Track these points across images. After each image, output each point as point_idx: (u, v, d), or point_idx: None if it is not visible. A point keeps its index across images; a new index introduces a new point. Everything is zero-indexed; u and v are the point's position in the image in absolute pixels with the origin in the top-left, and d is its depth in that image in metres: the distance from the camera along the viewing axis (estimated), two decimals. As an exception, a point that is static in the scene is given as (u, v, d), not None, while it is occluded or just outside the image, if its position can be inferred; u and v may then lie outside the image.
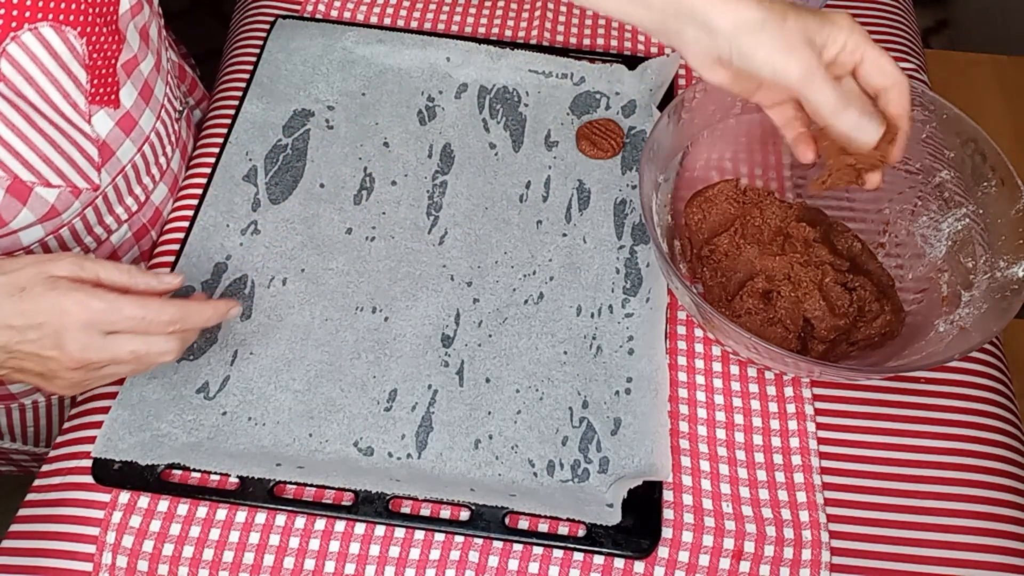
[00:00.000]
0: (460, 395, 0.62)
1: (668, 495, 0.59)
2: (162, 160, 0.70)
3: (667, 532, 0.57)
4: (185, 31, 0.91)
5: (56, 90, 0.56)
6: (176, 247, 0.68)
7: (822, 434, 0.62)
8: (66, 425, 0.63)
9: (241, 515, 0.57)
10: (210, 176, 0.71)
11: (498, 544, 0.57)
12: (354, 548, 0.56)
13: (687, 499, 0.58)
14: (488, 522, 0.56)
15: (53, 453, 0.61)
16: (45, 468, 0.61)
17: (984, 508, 0.59)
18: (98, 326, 0.51)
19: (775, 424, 0.62)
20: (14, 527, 0.58)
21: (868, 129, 0.51)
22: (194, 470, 0.57)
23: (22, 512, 0.59)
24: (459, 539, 0.57)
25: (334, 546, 0.56)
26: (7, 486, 0.92)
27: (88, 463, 0.58)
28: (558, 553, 0.56)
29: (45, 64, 0.55)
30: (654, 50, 0.82)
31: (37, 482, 0.60)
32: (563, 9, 0.84)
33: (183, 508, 0.57)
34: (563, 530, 0.57)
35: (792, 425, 0.62)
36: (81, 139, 0.59)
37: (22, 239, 0.60)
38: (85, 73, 0.57)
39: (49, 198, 0.59)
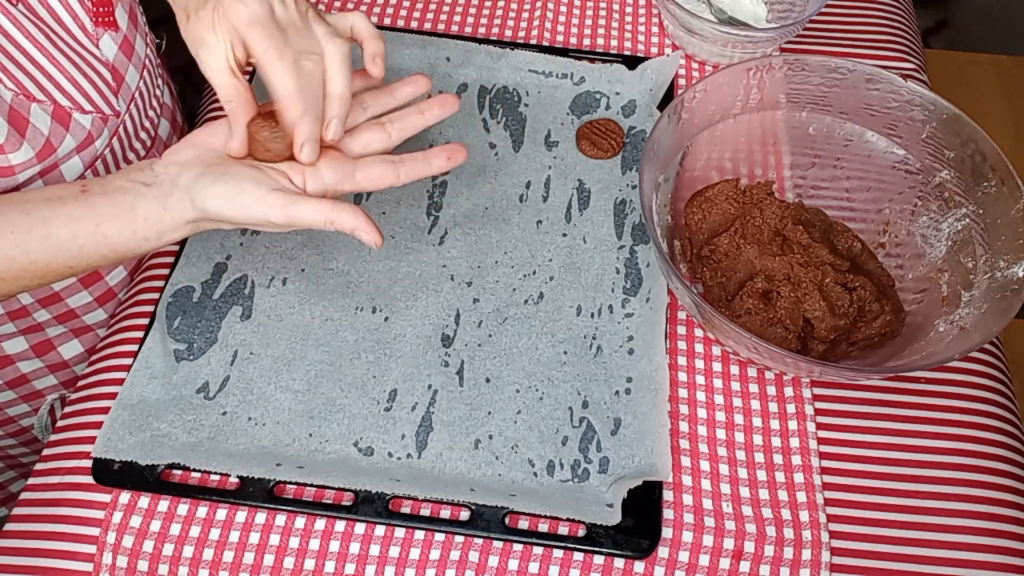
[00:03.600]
0: (460, 395, 0.62)
1: (668, 495, 0.59)
2: (157, 91, 0.72)
3: (667, 532, 0.57)
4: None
5: (65, 10, 0.59)
6: (176, 247, 0.68)
7: (822, 434, 0.62)
8: (61, 423, 0.63)
9: (241, 515, 0.57)
10: (210, 176, 0.71)
11: (498, 544, 0.57)
12: (354, 548, 0.56)
13: (687, 499, 0.58)
14: (488, 522, 0.56)
15: (48, 451, 0.61)
16: (40, 467, 0.61)
17: (984, 508, 0.59)
18: None
19: (775, 424, 0.62)
20: (11, 526, 0.58)
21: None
22: (194, 470, 0.57)
23: (19, 511, 0.59)
24: (459, 539, 0.57)
25: (334, 546, 0.56)
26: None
27: (88, 463, 0.58)
28: (558, 553, 0.56)
29: None
30: (654, 50, 0.82)
31: (33, 480, 0.60)
32: (563, 9, 0.84)
33: (183, 508, 0.57)
34: (563, 530, 0.57)
35: (792, 425, 0.62)
36: (96, 63, 0.62)
37: (64, 173, 0.62)
38: None
39: (86, 124, 0.61)
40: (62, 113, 0.59)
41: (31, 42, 0.56)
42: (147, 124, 0.70)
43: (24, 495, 0.60)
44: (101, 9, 0.62)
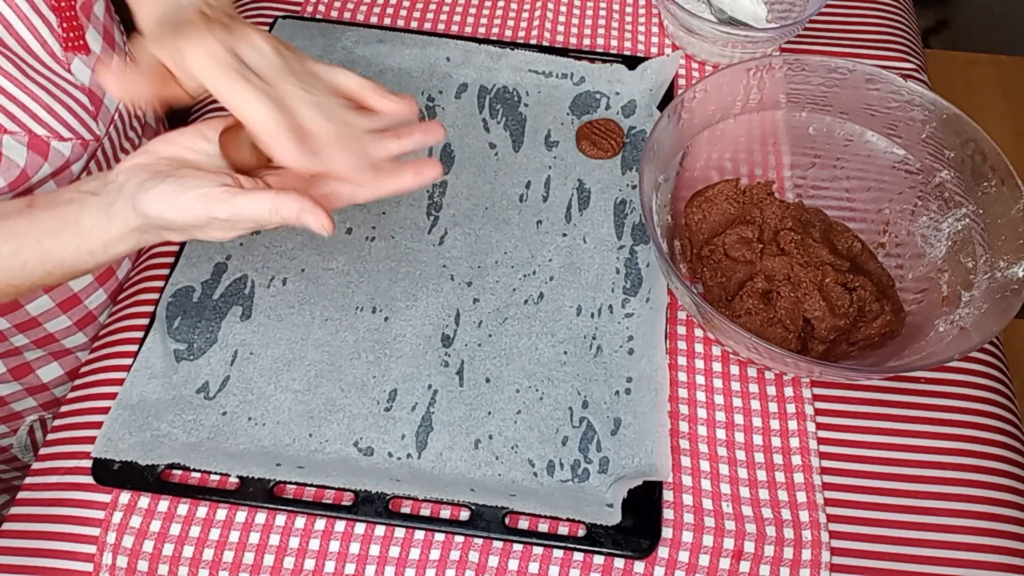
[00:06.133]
0: (460, 395, 0.62)
1: (668, 495, 0.59)
2: (139, 112, 0.72)
3: (667, 532, 0.57)
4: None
5: (34, 38, 0.58)
6: (176, 247, 0.68)
7: (822, 434, 0.62)
8: (57, 423, 0.62)
9: (241, 515, 0.57)
10: (210, 176, 0.71)
11: (498, 544, 0.57)
12: (354, 548, 0.56)
13: (687, 499, 0.58)
14: (488, 522, 0.56)
15: (45, 451, 0.61)
16: (38, 466, 0.61)
17: (984, 508, 0.59)
18: None
19: (775, 424, 0.62)
20: (10, 526, 0.58)
21: None
22: (194, 470, 0.57)
23: (16, 511, 0.59)
24: (459, 539, 0.57)
25: (334, 546, 0.56)
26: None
27: (88, 463, 0.58)
28: (558, 553, 0.56)
29: (20, 7, 0.56)
30: (654, 50, 0.82)
31: (30, 479, 0.60)
32: (563, 9, 0.84)
33: (183, 508, 0.57)
34: (563, 530, 0.57)
35: (792, 425, 0.62)
36: (70, 88, 0.61)
37: None
38: (54, 16, 0.59)
39: (65, 151, 0.60)
40: (39, 143, 0.58)
41: (1, 73, 0.55)
42: (127, 145, 0.69)
43: (22, 495, 0.60)
44: (71, 34, 0.61)
